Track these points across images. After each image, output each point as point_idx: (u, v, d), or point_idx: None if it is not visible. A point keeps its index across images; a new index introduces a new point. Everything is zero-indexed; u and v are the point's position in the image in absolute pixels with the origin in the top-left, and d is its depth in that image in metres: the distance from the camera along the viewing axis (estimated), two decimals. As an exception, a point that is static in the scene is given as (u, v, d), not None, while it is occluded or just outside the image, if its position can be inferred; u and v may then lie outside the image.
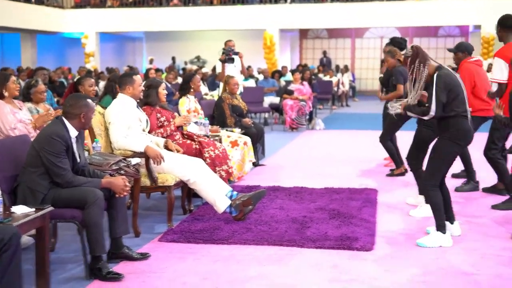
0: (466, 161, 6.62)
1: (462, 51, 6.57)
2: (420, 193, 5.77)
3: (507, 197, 5.92)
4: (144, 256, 4.34)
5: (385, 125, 7.55)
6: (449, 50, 6.74)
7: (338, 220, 5.30)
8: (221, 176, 5.70)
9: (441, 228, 4.67)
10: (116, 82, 6.72)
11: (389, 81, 7.35)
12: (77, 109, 4.06)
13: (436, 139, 4.84)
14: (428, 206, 5.51)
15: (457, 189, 6.52)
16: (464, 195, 6.36)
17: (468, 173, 6.67)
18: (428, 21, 20.36)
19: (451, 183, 5.90)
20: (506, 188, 6.10)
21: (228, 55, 9.42)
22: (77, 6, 23.23)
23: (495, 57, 5.94)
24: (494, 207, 5.78)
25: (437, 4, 20.27)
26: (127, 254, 4.28)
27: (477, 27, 21.60)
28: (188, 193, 5.70)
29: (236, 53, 9.56)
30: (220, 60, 9.51)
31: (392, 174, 7.47)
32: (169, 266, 4.21)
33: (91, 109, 4.15)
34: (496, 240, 4.81)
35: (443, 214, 4.70)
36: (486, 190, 6.47)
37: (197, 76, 7.20)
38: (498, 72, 5.85)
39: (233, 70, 9.44)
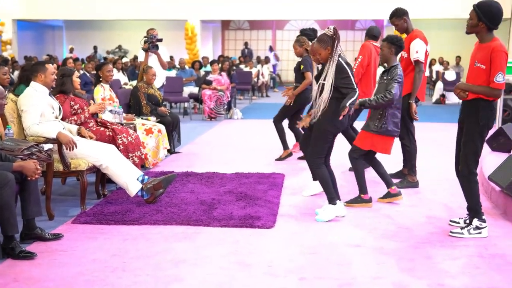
0: None
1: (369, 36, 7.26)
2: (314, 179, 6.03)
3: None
4: (56, 237, 4.56)
5: (281, 108, 8.06)
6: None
7: (244, 201, 5.67)
8: (134, 162, 5.97)
9: (332, 200, 5.15)
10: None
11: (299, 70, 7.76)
12: None
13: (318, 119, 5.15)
14: (316, 183, 5.94)
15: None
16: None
17: None
18: (345, 15, 21.13)
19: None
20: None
21: (151, 43, 9.30)
22: (-8, -8, 22.62)
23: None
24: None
25: (354, -1, 21.11)
26: (40, 235, 4.49)
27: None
28: (102, 178, 5.93)
29: (160, 40, 9.39)
30: (143, 49, 9.32)
31: (280, 158, 7.96)
32: (80, 245, 4.46)
33: None
34: (384, 217, 5.32)
35: (332, 188, 5.16)
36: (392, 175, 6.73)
37: (106, 66, 7.24)
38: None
39: (154, 62, 9.33)
